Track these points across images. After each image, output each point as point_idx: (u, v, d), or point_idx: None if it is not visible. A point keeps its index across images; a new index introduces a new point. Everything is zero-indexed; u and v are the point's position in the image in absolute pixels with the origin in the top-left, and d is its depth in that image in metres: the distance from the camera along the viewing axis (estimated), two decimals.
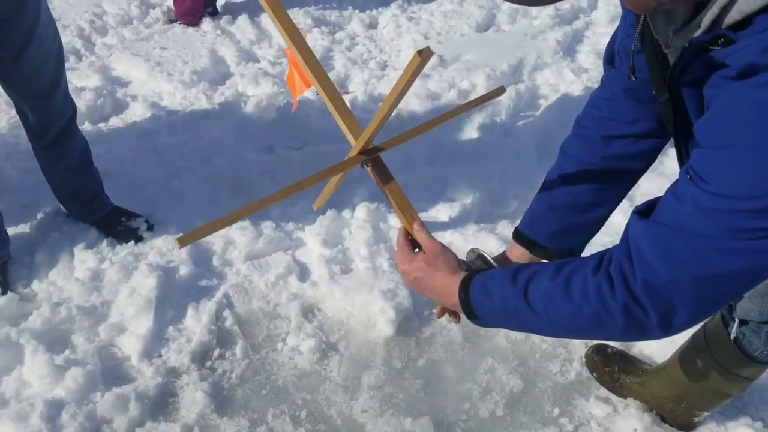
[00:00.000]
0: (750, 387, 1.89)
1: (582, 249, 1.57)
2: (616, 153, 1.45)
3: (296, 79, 1.53)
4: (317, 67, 1.45)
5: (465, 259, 1.40)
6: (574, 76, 3.75)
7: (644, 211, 1.02)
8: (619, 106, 1.42)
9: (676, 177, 2.99)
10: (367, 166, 1.43)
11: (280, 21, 1.43)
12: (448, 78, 3.70)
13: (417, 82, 3.67)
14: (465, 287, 1.23)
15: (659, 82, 1.15)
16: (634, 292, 0.99)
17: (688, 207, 0.94)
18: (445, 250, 1.31)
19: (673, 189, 0.99)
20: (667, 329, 1.00)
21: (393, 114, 1.42)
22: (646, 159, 1.49)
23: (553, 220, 1.51)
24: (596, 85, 1.56)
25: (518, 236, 1.57)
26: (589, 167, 1.46)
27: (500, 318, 1.20)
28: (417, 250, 1.35)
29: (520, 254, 1.57)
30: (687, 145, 1.15)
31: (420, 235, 1.33)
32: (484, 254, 1.38)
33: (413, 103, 3.47)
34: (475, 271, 1.27)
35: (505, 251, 1.65)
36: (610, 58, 1.39)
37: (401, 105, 3.35)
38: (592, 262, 1.08)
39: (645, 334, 1.03)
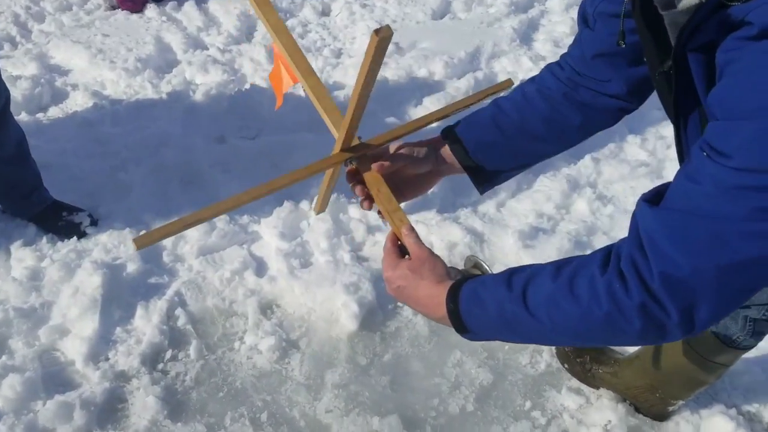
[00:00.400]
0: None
1: (496, 179, 1.45)
2: (580, 99, 1.36)
3: (283, 75, 1.43)
4: (303, 62, 1.36)
5: (463, 267, 1.29)
6: (532, 63, 3.70)
7: (653, 199, 0.93)
8: (590, 69, 1.35)
9: (638, 164, 2.94)
10: (351, 165, 1.32)
11: (266, 16, 1.34)
12: (405, 66, 3.60)
13: None
14: (453, 297, 1.12)
15: (652, 50, 1.07)
16: (651, 289, 0.90)
17: (707, 188, 0.85)
18: (433, 256, 1.20)
19: (685, 171, 0.90)
20: (689, 327, 0.91)
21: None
22: (608, 117, 1.40)
23: (490, 132, 1.39)
24: None
25: (447, 131, 1.42)
26: (550, 99, 1.37)
27: (495, 329, 1.09)
28: (407, 257, 1.24)
29: (442, 143, 1.42)
30: (687, 122, 1.06)
31: (407, 240, 1.23)
32: (482, 263, 1.25)
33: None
34: (464, 278, 1.15)
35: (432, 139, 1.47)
36: (583, 18, 1.31)
37: None
38: (597, 258, 0.98)
39: (664, 336, 0.94)
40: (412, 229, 1.24)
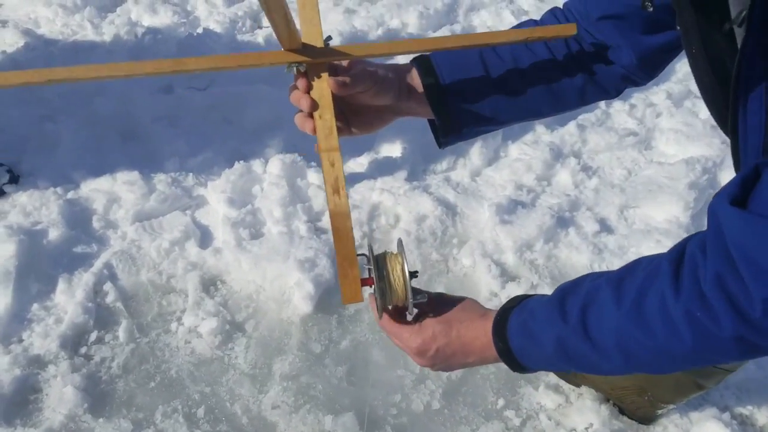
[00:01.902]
0: None
1: (464, 132, 1.18)
2: (584, 57, 1.13)
3: None
4: None
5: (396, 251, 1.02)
6: (514, 18, 3.43)
7: (739, 198, 0.70)
8: (596, 30, 1.11)
9: (626, 132, 2.62)
10: (299, 71, 1.02)
11: None
12: (376, 15, 3.31)
13: (340, 17, 3.26)
14: (500, 333, 0.96)
15: (691, 14, 0.80)
16: (751, 319, 0.70)
17: None
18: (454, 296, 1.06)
19: None
20: None
21: None
22: (611, 86, 1.18)
23: (476, 74, 1.13)
24: None
25: (421, 62, 1.14)
26: (552, 48, 1.14)
27: (556, 365, 0.94)
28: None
29: (411, 72, 1.14)
30: (747, 100, 0.78)
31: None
32: (401, 254, 1.01)
33: (335, 41, 3.04)
34: (507, 307, 0.98)
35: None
36: None
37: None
38: (665, 271, 0.77)
39: (761, 354, 0.77)
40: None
